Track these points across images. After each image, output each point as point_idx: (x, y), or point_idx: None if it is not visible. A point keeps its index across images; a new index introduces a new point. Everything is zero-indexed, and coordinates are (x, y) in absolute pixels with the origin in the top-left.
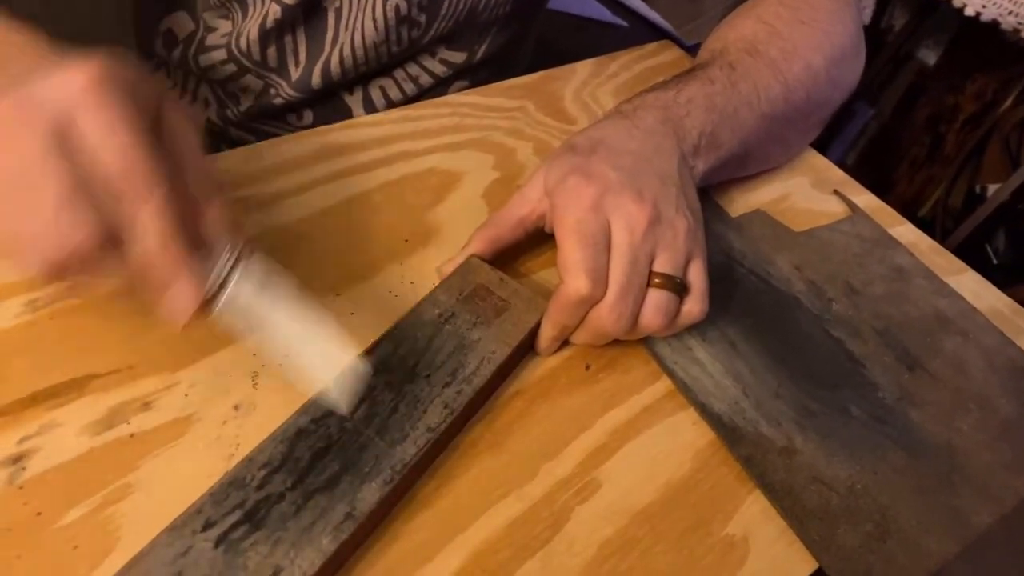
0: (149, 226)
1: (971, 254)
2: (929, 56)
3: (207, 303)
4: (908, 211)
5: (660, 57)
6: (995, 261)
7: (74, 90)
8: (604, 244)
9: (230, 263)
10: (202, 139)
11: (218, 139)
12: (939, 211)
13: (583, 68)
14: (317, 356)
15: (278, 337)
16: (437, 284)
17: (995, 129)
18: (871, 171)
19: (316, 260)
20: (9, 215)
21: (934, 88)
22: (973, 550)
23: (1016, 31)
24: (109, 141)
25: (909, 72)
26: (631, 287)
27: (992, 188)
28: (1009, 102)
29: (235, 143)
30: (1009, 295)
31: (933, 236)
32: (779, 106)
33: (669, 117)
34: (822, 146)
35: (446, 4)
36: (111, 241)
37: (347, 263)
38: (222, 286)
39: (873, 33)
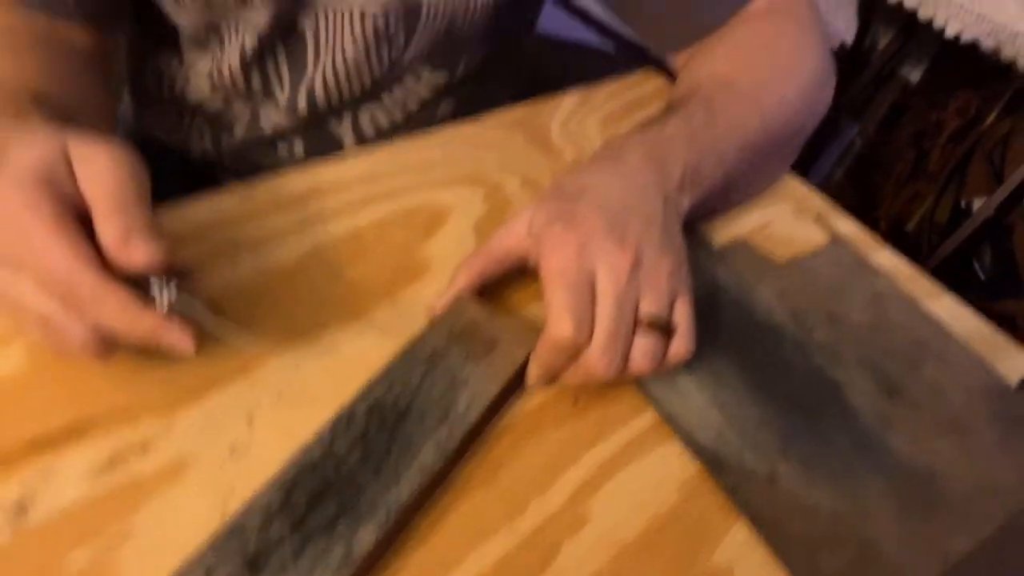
0: (106, 317)
1: (958, 270)
2: (912, 74)
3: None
4: (895, 226)
5: (644, 87)
6: (982, 276)
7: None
8: (588, 290)
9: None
10: (122, 167)
11: (215, 169)
12: (926, 227)
13: (569, 99)
14: None
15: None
16: (428, 322)
17: (978, 145)
18: (859, 187)
19: (310, 298)
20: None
21: (917, 105)
22: (953, 574)
23: (995, 51)
24: (38, 259)
25: (893, 89)
26: (618, 332)
27: (977, 203)
28: (992, 118)
29: (231, 173)
30: (997, 310)
31: (920, 252)
32: (758, 137)
33: (653, 157)
34: (809, 163)
35: (423, 17)
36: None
37: (339, 301)
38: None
39: (857, 52)
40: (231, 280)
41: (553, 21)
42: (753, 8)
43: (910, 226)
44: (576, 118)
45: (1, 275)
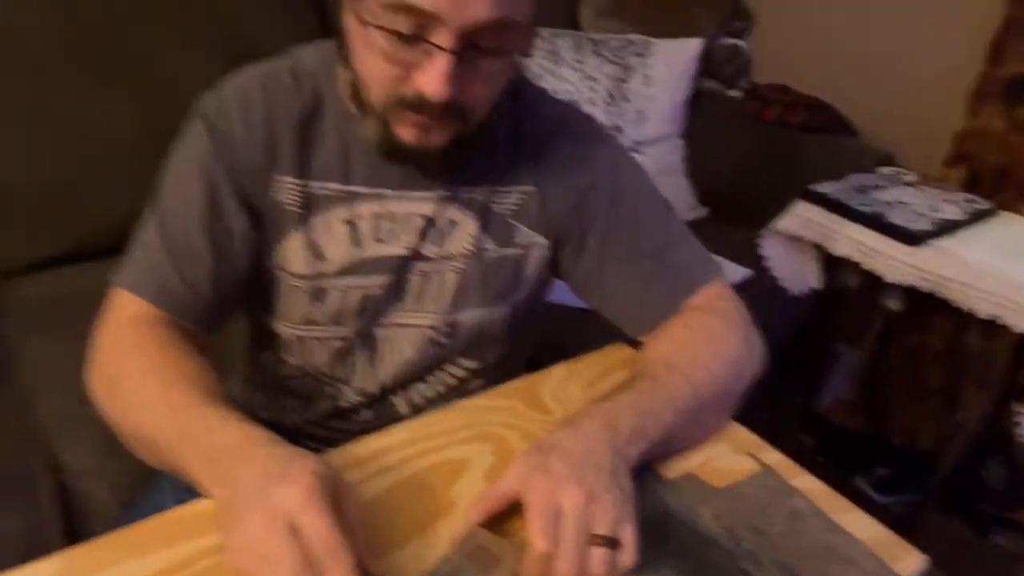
0: None
1: (968, 483)
2: (893, 303)
3: None
4: (907, 439)
5: (614, 357)
6: (996, 487)
7: (297, 500)
8: (557, 518)
9: None
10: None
11: (302, 435)
12: (940, 442)
13: (558, 371)
14: None
15: None
16: (451, 547)
17: (967, 365)
18: (867, 404)
19: (370, 535)
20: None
21: (905, 329)
22: None
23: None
24: (318, 535)
25: (879, 317)
26: (577, 546)
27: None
28: (972, 339)
29: (314, 438)
30: (1015, 518)
31: (935, 465)
32: (690, 404)
33: (606, 422)
34: (814, 385)
35: (461, 329)
36: None
37: (390, 535)
38: None
39: (831, 292)
40: None
41: (557, 292)
42: (691, 304)
43: (922, 441)
44: (563, 385)
45: (278, 533)
